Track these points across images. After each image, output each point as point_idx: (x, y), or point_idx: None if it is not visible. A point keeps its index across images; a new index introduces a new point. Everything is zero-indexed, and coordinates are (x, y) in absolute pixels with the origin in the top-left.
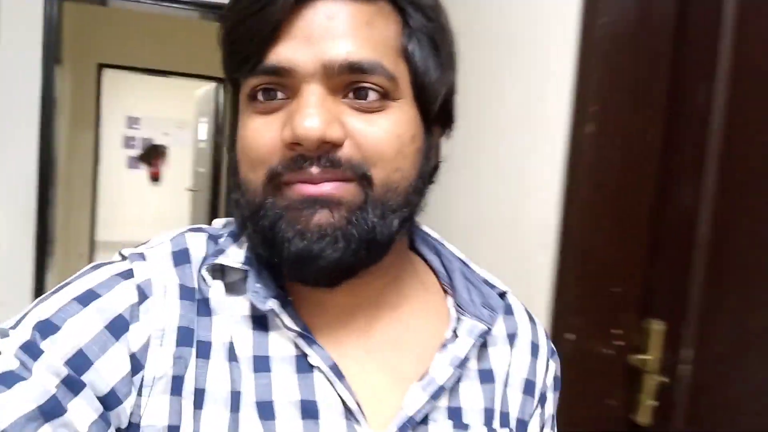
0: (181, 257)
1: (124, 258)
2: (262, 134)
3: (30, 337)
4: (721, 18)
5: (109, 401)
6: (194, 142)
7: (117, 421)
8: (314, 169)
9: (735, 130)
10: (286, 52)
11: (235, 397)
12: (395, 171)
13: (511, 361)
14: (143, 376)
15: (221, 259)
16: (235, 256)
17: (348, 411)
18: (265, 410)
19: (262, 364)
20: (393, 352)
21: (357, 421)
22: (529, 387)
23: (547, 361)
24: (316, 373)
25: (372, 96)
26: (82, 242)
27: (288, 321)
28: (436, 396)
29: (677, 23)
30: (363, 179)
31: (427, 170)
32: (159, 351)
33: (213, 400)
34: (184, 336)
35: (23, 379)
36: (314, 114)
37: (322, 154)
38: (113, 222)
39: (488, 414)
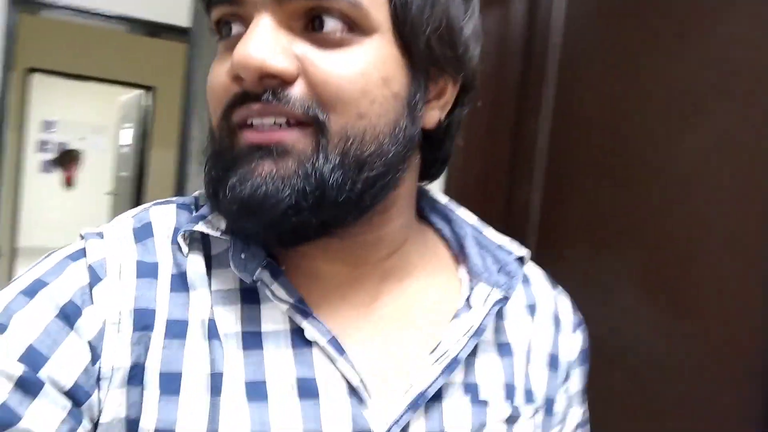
0: (142, 232)
1: (81, 237)
2: (219, 73)
3: None
4: (546, 74)
5: (76, 396)
6: (115, 147)
7: (90, 414)
8: (256, 106)
9: (557, 147)
10: None
11: (216, 379)
12: (358, 118)
13: (532, 334)
14: (100, 367)
15: (200, 227)
16: (216, 222)
17: (351, 389)
18: (255, 391)
19: (251, 340)
20: (400, 325)
21: (361, 399)
22: (553, 362)
23: (573, 333)
24: (314, 349)
25: (331, 25)
26: (3, 247)
27: (280, 292)
28: (450, 369)
29: (521, 78)
30: (317, 125)
31: (417, 127)
32: (116, 338)
33: (190, 383)
34: (142, 318)
35: None
36: (255, 41)
37: (267, 88)
38: (33, 227)
39: (509, 389)
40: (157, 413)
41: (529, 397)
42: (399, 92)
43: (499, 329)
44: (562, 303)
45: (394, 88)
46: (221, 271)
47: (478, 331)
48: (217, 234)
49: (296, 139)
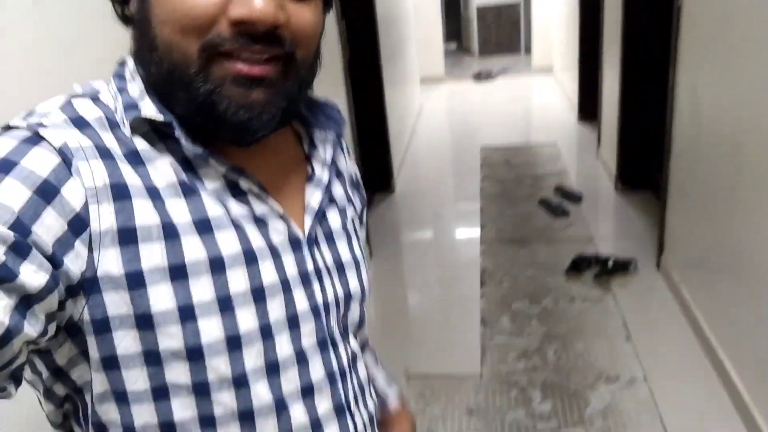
0: (80, 123)
1: (10, 128)
2: (202, 4)
3: None
4: None
5: (55, 260)
6: None
7: (65, 279)
8: (259, 47)
9: None
10: None
11: (205, 223)
12: (311, 53)
13: (345, 162)
14: (90, 233)
15: (146, 113)
16: (151, 110)
17: (279, 216)
18: (218, 222)
19: (203, 194)
20: (285, 180)
21: (287, 221)
22: (356, 183)
23: (352, 160)
24: (249, 195)
25: None
26: None
27: (220, 160)
28: (328, 191)
29: None
30: (290, 58)
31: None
32: (99, 208)
33: (186, 229)
34: (119, 190)
35: None
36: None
37: (267, 33)
38: None
39: (348, 200)
40: (165, 255)
41: (350, 207)
42: (322, 32)
43: (337, 160)
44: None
45: (322, 29)
46: (159, 149)
47: (332, 164)
48: (161, 118)
49: (276, 70)
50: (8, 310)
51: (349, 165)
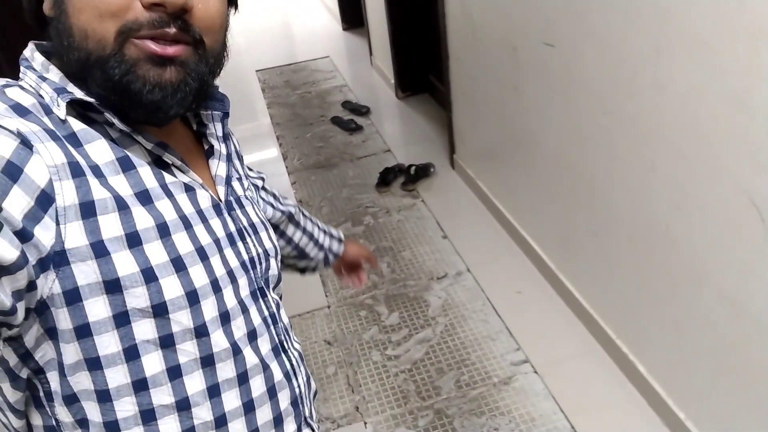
0: (20, 110)
1: None
2: None
3: None
4: None
5: (24, 234)
6: None
7: (36, 253)
8: (171, 30)
9: None
10: None
11: (144, 194)
12: (217, 42)
13: (232, 137)
14: (56, 208)
15: (79, 96)
16: (79, 93)
17: (200, 185)
18: (153, 194)
19: (145, 168)
20: (190, 155)
21: (206, 189)
22: (240, 155)
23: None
24: (172, 167)
25: None
26: None
27: (147, 137)
28: (229, 162)
29: None
30: (199, 43)
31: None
32: (62, 184)
33: (131, 202)
34: (75, 169)
35: None
36: None
37: (177, 17)
38: None
39: (243, 174)
40: (121, 225)
41: (245, 178)
42: (227, 25)
43: (226, 137)
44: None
45: (227, 22)
46: (92, 128)
47: (224, 137)
48: (92, 100)
49: (189, 53)
50: None
51: (235, 141)
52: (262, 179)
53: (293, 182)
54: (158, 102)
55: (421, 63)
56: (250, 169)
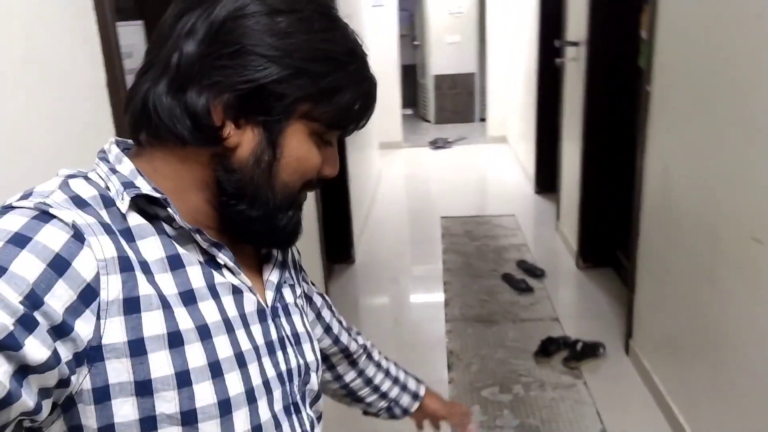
0: (79, 201)
1: (14, 207)
2: (315, 158)
3: None
4: None
5: (63, 328)
6: None
7: (72, 347)
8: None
9: None
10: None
11: (189, 294)
12: None
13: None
14: (99, 302)
15: (146, 191)
16: (146, 188)
17: (248, 288)
18: (197, 293)
19: (194, 267)
20: (243, 258)
21: (254, 292)
22: (299, 267)
23: None
24: (223, 269)
25: None
26: None
27: (203, 237)
28: (283, 270)
29: None
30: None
31: None
32: (108, 278)
33: (173, 300)
34: (124, 263)
35: None
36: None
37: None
38: None
39: (296, 282)
40: (164, 323)
41: (298, 286)
42: None
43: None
44: None
45: None
46: (150, 224)
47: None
48: (158, 195)
49: None
50: (7, 376)
51: (293, 250)
52: (327, 301)
53: (448, 330)
54: (293, 237)
55: (608, 236)
56: (313, 284)
